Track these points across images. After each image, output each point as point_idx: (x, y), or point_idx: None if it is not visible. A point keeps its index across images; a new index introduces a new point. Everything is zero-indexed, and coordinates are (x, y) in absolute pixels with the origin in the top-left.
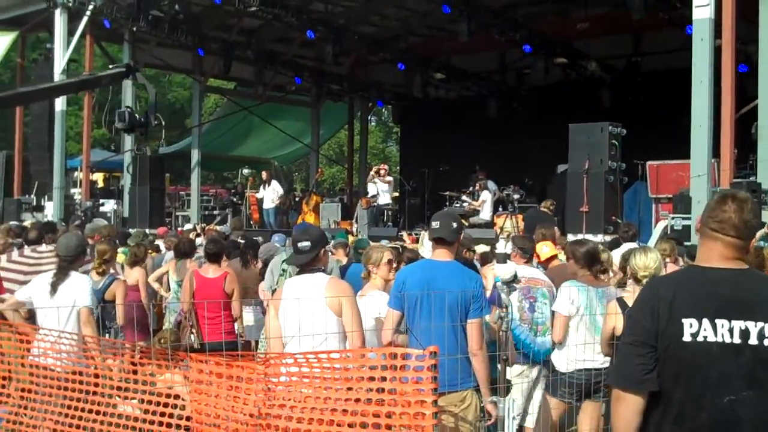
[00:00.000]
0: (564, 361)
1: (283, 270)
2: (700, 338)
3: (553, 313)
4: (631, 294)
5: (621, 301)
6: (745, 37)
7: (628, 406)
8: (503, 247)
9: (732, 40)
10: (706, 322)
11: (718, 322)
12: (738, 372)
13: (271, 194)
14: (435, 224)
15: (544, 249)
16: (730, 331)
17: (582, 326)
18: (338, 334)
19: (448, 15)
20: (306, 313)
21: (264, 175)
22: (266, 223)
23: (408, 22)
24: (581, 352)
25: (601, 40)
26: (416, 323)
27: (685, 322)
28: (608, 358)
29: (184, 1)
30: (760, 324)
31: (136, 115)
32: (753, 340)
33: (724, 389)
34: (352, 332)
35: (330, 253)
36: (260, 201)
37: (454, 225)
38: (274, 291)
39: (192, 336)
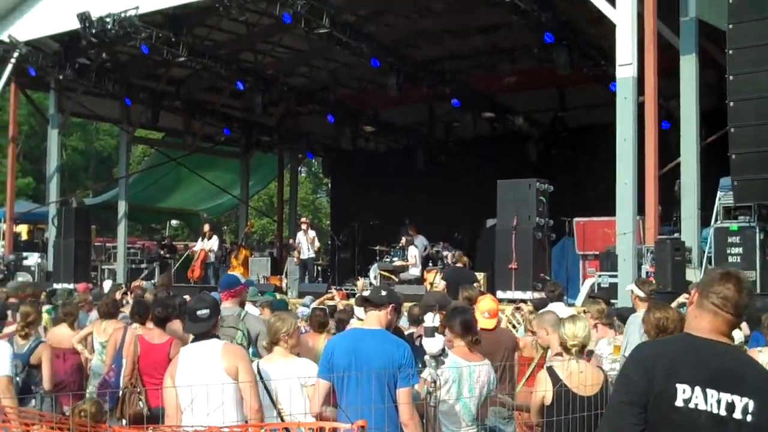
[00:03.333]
0: None
1: None
2: (691, 405)
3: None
4: (560, 364)
5: (550, 370)
6: (666, 92)
7: None
8: (431, 320)
9: (654, 98)
10: (698, 390)
11: (709, 392)
12: None
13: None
14: (366, 292)
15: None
16: (718, 402)
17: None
18: (235, 400)
19: (378, 68)
20: (203, 380)
21: (206, 227)
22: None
23: (337, 74)
24: None
25: (528, 95)
26: (344, 393)
27: (679, 387)
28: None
29: (111, 50)
30: (745, 399)
31: None
32: (737, 414)
33: None
34: (249, 396)
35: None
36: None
37: (383, 292)
38: None
39: (140, 403)
